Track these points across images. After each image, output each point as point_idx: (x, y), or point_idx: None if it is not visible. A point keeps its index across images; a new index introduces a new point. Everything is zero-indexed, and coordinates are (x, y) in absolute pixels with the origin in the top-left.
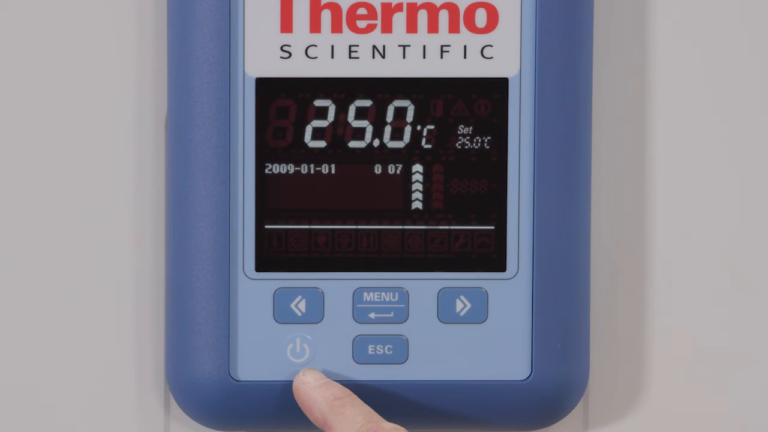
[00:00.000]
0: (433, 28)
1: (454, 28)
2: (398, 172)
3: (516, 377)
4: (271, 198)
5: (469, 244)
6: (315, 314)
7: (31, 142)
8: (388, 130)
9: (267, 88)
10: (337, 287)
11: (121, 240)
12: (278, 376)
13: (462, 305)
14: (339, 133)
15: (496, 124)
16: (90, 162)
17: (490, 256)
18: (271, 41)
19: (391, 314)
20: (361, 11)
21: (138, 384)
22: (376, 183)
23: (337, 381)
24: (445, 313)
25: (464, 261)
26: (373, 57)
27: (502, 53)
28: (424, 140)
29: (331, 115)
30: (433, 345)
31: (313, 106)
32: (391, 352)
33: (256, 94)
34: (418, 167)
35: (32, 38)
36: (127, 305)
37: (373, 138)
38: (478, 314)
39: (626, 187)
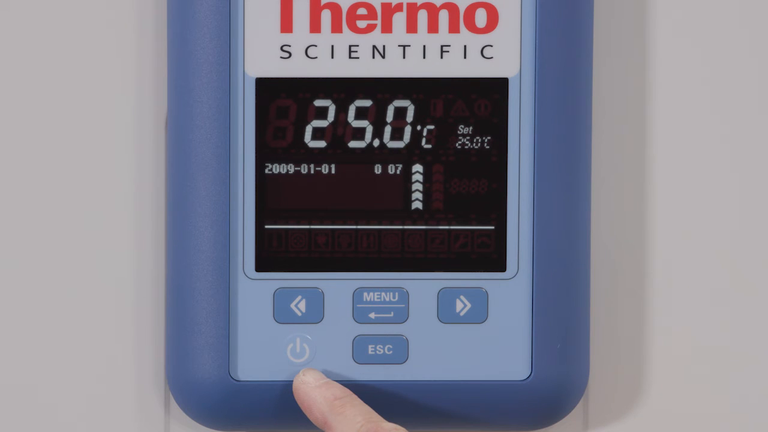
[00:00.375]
0: (433, 28)
1: (454, 28)
2: (398, 172)
3: (516, 377)
4: (271, 198)
5: (469, 244)
6: (315, 314)
7: (32, 142)
8: (388, 130)
9: (267, 88)
10: (337, 287)
11: (121, 240)
12: (278, 376)
13: (462, 305)
14: (339, 133)
15: (496, 124)
16: (90, 162)
17: (490, 256)
18: (271, 41)
19: (391, 314)
20: (361, 11)
21: (138, 384)
22: (376, 183)
23: (337, 381)
24: (445, 313)
25: (464, 261)
26: (373, 57)
27: (502, 53)
28: (424, 140)
29: (331, 115)
30: (433, 345)
31: (313, 106)
32: (391, 352)
33: (256, 94)
34: (418, 167)
35: (32, 38)
36: (127, 305)
37: (373, 138)
38: (478, 314)
39: (626, 187)
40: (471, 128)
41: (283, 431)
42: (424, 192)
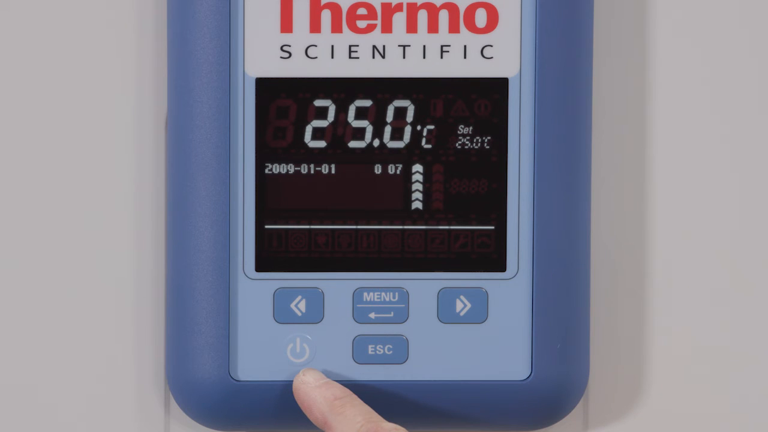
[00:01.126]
0: (433, 28)
1: (454, 28)
2: (398, 172)
3: (516, 377)
4: (271, 198)
5: (469, 244)
6: (315, 314)
7: (32, 142)
8: (388, 130)
9: (267, 88)
10: (337, 287)
11: (121, 240)
12: (278, 376)
13: (462, 305)
14: (339, 133)
15: (496, 124)
16: (90, 162)
17: (490, 256)
18: (271, 41)
19: (391, 314)
20: (361, 11)
21: (138, 384)
22: (376, 183)
23: (337, 381)
24: (445, 313)
25: (464, 261)
26: (373, 57)
27: (502, 53)
28: (424, 140)
29: (331, 115)
30: (433, 345)
31: (313, 106)
32: (391, 352)
33: (256, 94)
34: (418, 167)
35: (32, 38)
36: (127, 305)
37: (373, 138)
38: (478, 314)
39: (626, 187)
40: (471, 128)
41: (283, 431)
42: (424, 192)
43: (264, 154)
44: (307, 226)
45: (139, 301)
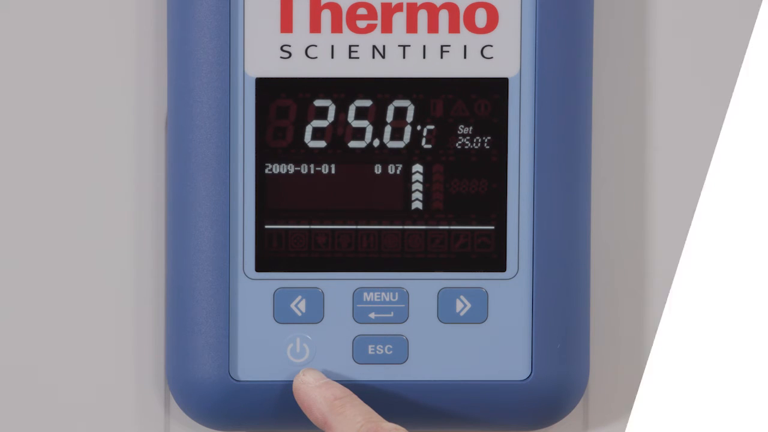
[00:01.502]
0: (433, 28)
1: (454, 28)
2: (398, 172)
3: (516, 377)
4: (271, 198)
5: (469, 244)
6: (315, 314)
7: (32, 142)
8: (388, 130)
9: (267, 88)
10: (337, 287)
11: (121, 240)
12: (278, 376)
13: (462, 305)
14: (339, 133)
15: (496, 124)
16: (90, 162)
17: (490, 256)
18: (271, 41)
19: (391, 314)
20: (361, 11)
21: (138, 384)
22: (376, 183)
23: (337, 381)
24: (445, 313)
25: (464, 261)
26: (373, 57)
27: (502, 53)
28: (424, 140)
29: (331, 115)
30: (433, 345)
31: (313, 106)
32: (391, 352)
33: (256, 94)
34: (418, 167)
35: (32, 38)
36: (127, 305)
37: (373, 138)
38: (478, 314)
39: (626, 187)
40: (471, 128)
41: (283, 431)
42: (424, 192)
43: (264, 154)
44: (307, 226)
45: (139, 301)
